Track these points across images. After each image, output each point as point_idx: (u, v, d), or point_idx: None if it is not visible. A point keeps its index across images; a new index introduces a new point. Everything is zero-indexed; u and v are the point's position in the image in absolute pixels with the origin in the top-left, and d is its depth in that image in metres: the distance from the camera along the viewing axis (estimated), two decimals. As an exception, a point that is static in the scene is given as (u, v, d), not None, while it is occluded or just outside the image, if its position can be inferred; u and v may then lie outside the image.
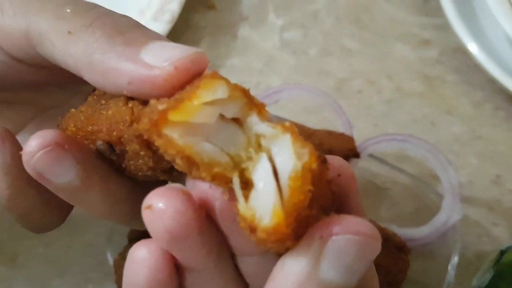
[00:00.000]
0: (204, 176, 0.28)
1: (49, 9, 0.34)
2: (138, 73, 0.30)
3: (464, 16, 0.66)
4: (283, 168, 0.27)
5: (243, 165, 0.28)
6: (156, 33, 0.34)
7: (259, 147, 0.28)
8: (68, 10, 0.33)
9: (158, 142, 0.28)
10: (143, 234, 0.44)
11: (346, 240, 0.27)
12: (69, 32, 0.32)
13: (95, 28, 0.32)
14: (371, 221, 0.53)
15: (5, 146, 0.37)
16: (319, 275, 0.27)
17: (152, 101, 0.28)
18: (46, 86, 0.42)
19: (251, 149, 0.28)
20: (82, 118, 0.35)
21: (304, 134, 0.53)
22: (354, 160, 0.56)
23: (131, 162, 0.34)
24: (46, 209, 0.39)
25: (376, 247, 0.28)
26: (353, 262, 0.27)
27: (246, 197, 0.28)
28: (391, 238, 0.51)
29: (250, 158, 0.28)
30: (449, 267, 0.53)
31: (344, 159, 0.54)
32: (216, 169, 0.28)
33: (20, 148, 0.36)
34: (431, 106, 0.67)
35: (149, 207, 0.29)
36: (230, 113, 0.28)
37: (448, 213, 0.54)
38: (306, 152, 0.27)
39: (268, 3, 0.73)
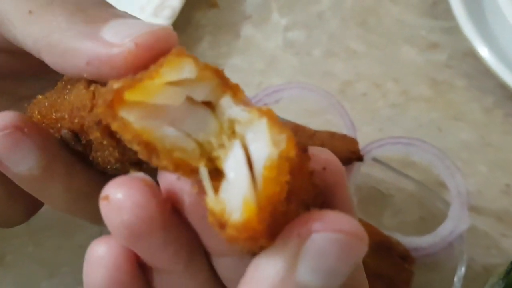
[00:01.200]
0: (165, 165, 0.25)
1: None
2: (96, 52, 0.28)
3: (474, 20, 0.64)
4: (257, 157, 0.24)
5: (214, 153, 0.25)
6: (122, 11, 0.31)
7: (232, 134, 0.25)
8: None
9: (113, 125, 0.25)
10: None
11: (327, 239, 0.23)
12: (29, 12, 0.30)
13: (56, 6, 0.30)
14: (370, 226, 0.51)
15: None
16: (295, 278, 0.24)
17: (110, 80, 0.25)
18: (21, 75, 0.40)
19: (224, 136, 0.25)
20: (46, 104, 0.32)
21: (305, 135, 0.51)
22: (357, 164, 0.54)
23: (98, 153, 0.31)
24: (10, 202, 0.37)
25: (361, 248, 0.24)
26: (335, 265, 0.24)
27: (217, 189, 0.24)
28: (394, 246, 0.49)
29: (222, 146, 0.25)
30: (455, 279, 0.50)
31: (347, 162, 0.53)
32: (178, 155, 0.25)
33: None
34: (438, 111, 0.65)
35: (106, 198, 0.26)
36: (199, 95, 0.25)
37: (455, 222, 0.52)
38: (284, 139, 0.23)
39: (272, 2, 0.71)
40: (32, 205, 0.38)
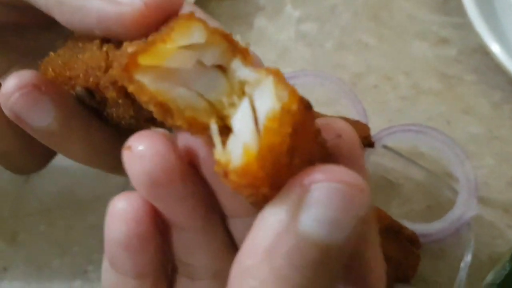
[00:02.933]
0: (180, 124, 0.26)
1: None
2: (106, 10, 0.29)
3: (485, 16, 0.64)
4: (261, 110, 0.25)
5: (225, 112, 0.26)
6: None
7: (242, 94, 0.26)
8: None
9: (130, 88, 0.26)
10: None
11: (329, 188, 0.24)
12: None
13: None
14: (379, 209, 0.51)
15: None
16: (298, 227, 0.24)
17: (125, 44, 0.27)
18: (28, 28, 0.41)
19: (234, 96, 0.26)
20: (60, 62, 0.33)
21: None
22: (367, 150, 0.55)
23: (113, 109, 0.33)
24: (26, 151, 0.38)
25: (363, 200, 0.24)
26: (336, 215, 0.24)
27: (225, 143, 0.25)
28: (403, 230, 0.50)
29: (232, 105, 0.26)
30: (462, 265, 0.51)
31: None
32: (190, 114, 0.26)
33: None
34: (447, 105, 0.66)
35: (129, 148, 0.27)
36: (209, 59, 0.26)
37: (463, 208, 0.52)
38: (286, 94, 0.24)
39: (285, -6, 0.72)
40: (47, 154, 0.39)
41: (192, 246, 0.31)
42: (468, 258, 0.51)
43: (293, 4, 0.72)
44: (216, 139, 0.25)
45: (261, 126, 0.24)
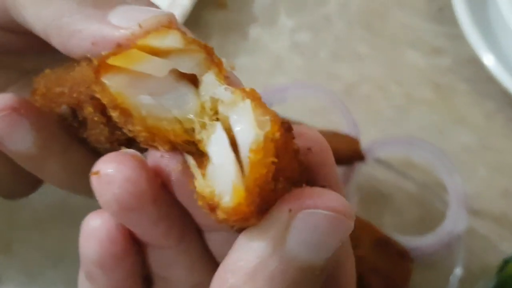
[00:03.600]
0: (140, 132, 0.25)
1: None
2: (102, 33, 0.29)
3: (478, 27, 0.65)
4: (243, 139, 0.24)
5: (197, 137, 0.25)
6: None
7: (214, 114, 0.25)
8: None
9: (96, 89, 0.25)
10: None
11: (317, 215, 0.25)
12: None
13: None
14: (369, 223, 0.52)
15: None
16: (284, 249, 0.25)
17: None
18: (27, 52, 0.41)
19: (205, 117, 0.25)
20: (52, 78, 0.34)
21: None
22: (358, 164, 0.55)
23: (91, 131, 0.32)
24: (15, 177, 0.38)
25: (348, 226, 0.25)
26: (323, 239, 0.25)
27: (202, 167, 0.25)
28: (392, 244, 0.50)
29: (204, 126, 0.25)
30: (452, 279, 0.51)
31: (349, 162, 0.54)
32: (152, 123, 0.25)
33: None
34: (440, 115, 0.66)
35: (97, 173, 0.26)
36: (185, 67, 0.26)
37: (453, 222, 0.53)
38: (268, 120, 0.23)
39: (279, 5, 0.72)
40: (35, 180, 0.39)
41: (168, 263, 0.31)
42: (458, 271, 0.52)
43: (287, 14, 0.72)
44: (195, 170, 0.25)
45: (242, 156, 0.24)
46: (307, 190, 0.25)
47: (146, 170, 0.27)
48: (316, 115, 0.63)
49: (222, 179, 0.24)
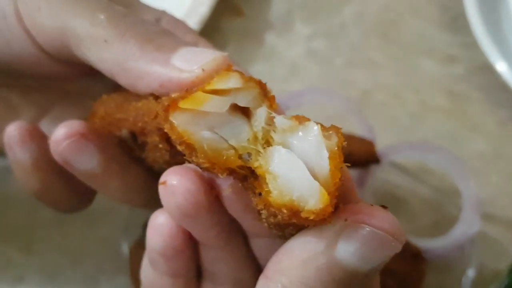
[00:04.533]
0: (202, 162, 0.29)
1: (85, 15, 0.36)
2: (169, 76, 0.33)
3: (492, 35, 0.65)
4: (315, 152, 0.28)
5: (255, 164, 0.29)
6: (182, 40, 0.36)
7: (266, 143, 0.29)
8: (102, 17, 0.35)
9: (165, 127, 0.29)
10: None
11: (369, 231, 0.28)
12: (105, 41, 0.35)
13: (129, 37, 0.34)
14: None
15: (33, 142, 0.40)
16: (334, 251, 0.28)
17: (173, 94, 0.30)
18: (74, 79, 0.44)
19: (258, 145, 0.29)
20: (112, 105, 0.37)
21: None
22: (373, 168, 0.56)
23: (150, 154, 0.37)
24: (73, 196, 0.43)
25: (395, 247, 0.28)
26: (369, 253, 0.28)
27: (259, 186, 0.28)
28: (407, 245, 0.51)
29: (258, 153, 0.29)
30: (464, 281, 0.52)
31: (364, 165, 0.54)
32: (213, 155, 0.29)
33: (47, 142, 0.39)
34: (454, 122, 0.67)
35: (164, 183, 0.31)
36: (242, 101, 0.29)
37: (466, 225, 0.53)
38: (333, 133, 0.28)
39: (295, 13, 0.74)
40: (91, 196, 0.45)
41: (216, 259, 0.36)
42: (470, 273, 0.52)
43: (303, 22, 0.73)
44: (272, 187, 0.28)
45: (314, 165, 0.28)
46: (365, 206, 0.29)
47: (204, 183, 0.32)
48: (331, 120, 0.63)
49: (301, 187, 0.27)
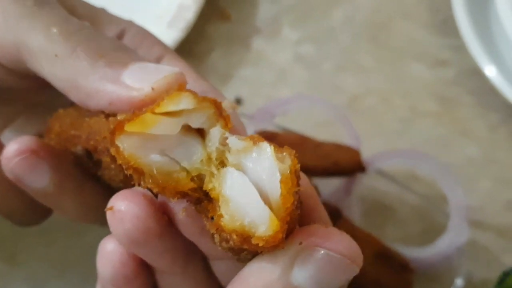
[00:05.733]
0: (152, 187, 0.28)
1: (38, 28, 0.34)
2: (118, 95, 0.31)
3: (481, 39, 0.65)
4: (267, 175, 0.27)
5: (209, 186, 0.28)
6: (136, 54, 0.34)
7: (220, 164, 0.28)
8: (54, 31, 0.34)
9: (112, 151, 0.28)
10: None
11: (325, 255, 0.27)
12: (55, 55, 0.33)
13: (80, 52, 0.33)
14: (371, 235, 0.52)
15: None
16: (290, 277, 0.27)
17: (119, 113, 0.30)
18: (34, 89, 0.43)
19: (212, 166, 0.28)
20: (67, 120, 0.36)
21: (310, 146, 0.53)
22: (360, 175, 0.55)
23: (106, 172, 0.36)
24: (28, 208, 0.42)
25: (353, 270, 0.27)
26: (326, 278, 0.27)
27: (212, 210, 0.28)
28: (394, 256, 0.50)
29: (212, 175, 0.28)
30: (453, 291, 0.51)
31: (350, 173, 0.54)
32: (163, 178, 0.28)
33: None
34: (445, 127, 0.66)
35: (111, 208, 0.30)
36: (196, 123, 0.28)
37: (454, 235, 0.53)
38: (287, 155, 0.27)
39: (283, 17, 0.73)
40: (47, 210, 0.43)
41: (176, 286, 0.34)
42: (459, 283, 0.52)
43: (291, 26, 0.72)
44: (223, 211, 0.27)
45: (268, 189, 0.27)
46: (321, 228, 0.28)
47: (154, 208, 0.30)
48: (318, 127, 0.63)
49: (252, 212, 0.26)
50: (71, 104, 0.36)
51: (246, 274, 0.28)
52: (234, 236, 0.27)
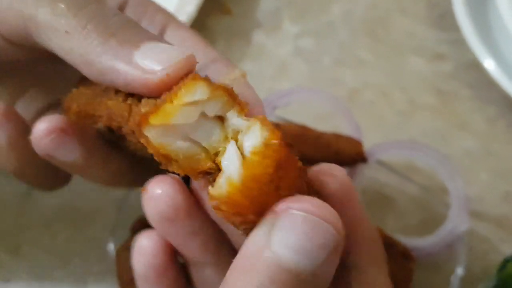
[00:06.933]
0: (179, 171, 0.30)
1: (45, 4, 0.34)
2: (133, 76, 0.32)
3: (480, 32, 0.66)
4: (247, 147, 0.28)
5: (218, 158, 0.29)
6: (146, 32, 0.34)
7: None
8: (62, 6, 0.34)
9: (142, 141, 0.30)
10: (147, 226, 0.46)
11: (295, 215, 0.26)
12: (66, 32, 0.34)
13: (90, 30, 0.33)
14: (378, 228, 0.52)
15: (10, 123, 0.40)
16: (271, 249, 0.26)
17: (142, 101, 0.31)
18: (42, 61, 0.43)
19: (227, 143, 0.30)
20: (83, 101, 0.37)
21: (311, 136, 0.53)
22: (361, 166, 0.56)
23: (131, 144, 0.37)
24: (50, 174, 0.43)
25: (328, 231, 0.26)
26: (302, 242, 0.26)
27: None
28: (396, 244, 0.50)
29: (225, 150, 0.29)
30: (453, 279, 0.52)
31: (351, 164, 0.54)
32: (188, 162, 0.29)
33: (22, 122, 0.40)
34: (443, 120, 0.67)
35: (145, 190, 0.33)
36: (211, 111, 0.30)
37: (454, 223, 0.53)
38: (267, 130, 0.28)
39: (283, 11, 0.73)
40: (66, 175, 0.45)
41: (209, 281, 0.35)
42: (459, 272, 0.52)
43: (291, 20, 0.73)
44: (209, 178, 0.30)
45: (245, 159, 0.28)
46: (296, 196, 0.27)
47: (182, 189, 0.33)
48: (319, 119, 0.64)
49: (224, 178, 0.28)
50: (81, 77, 0.36)
51: (241, 250, 0.28)
52: (211, 203, 0.28)
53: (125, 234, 0.54)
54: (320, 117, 0.64)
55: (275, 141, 0.27)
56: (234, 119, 0.30)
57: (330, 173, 0.33)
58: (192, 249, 0.34)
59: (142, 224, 0.51)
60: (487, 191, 0.62)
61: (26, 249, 0.60)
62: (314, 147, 0.53)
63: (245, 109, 0.30)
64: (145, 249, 0.35)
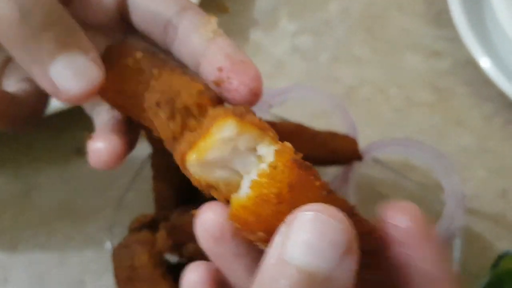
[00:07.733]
0: (221, 199, 0.31)
1: None
2: (51, 92, 0.32)
3: (475, 30, 0.66)
4: (258, 171, 0.29)
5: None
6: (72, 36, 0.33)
7: None
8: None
9: (185, 174, 0.32)
10: (145, 225, 0.47)
11: (304, 215, 0.26)
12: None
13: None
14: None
15: None
16: (285, 254, 0.26)
17: (184, 135, 0.33)
18: None
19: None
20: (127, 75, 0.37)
21: (307, 134, 0.53)
22: (356, 164, 0.56)
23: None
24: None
25: (338, 228, 0.26)
26: (312, 239, 0.26)
27: None
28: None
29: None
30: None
31: (347, 162, 0.55)
32: (228, 189, 0.31)
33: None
34: (439, 117, 0.67)
35: (197, 213, 0.34)
36: (242, 145, 0.31)
37: (449, 220, 0.53)
38: (276, 154, 0.29)
39: (280, 9, 0.74)
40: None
41: None
42: (455, 268, 0.53)
43: (288, 18, 0.73)
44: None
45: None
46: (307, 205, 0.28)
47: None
48: (316, 117, 0.64)
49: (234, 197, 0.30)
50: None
51: (255, 273, 0.28)
52: (235, 224, 0.29)
53: (122, 232, 0.54)
54: (316, 115, 0.64)
55: (280, 165, 0.28)
56: (264, 150, 0.30)
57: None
58: (238, 272, 0.34)
59: (140, 223, 0.52)
60: (483, 189, 0.63)
61: (23, 247, 0.61)
62: (310, 145, 0.53)
63: (275, 138, 0.31)
64: (194, 283, 0.35)
